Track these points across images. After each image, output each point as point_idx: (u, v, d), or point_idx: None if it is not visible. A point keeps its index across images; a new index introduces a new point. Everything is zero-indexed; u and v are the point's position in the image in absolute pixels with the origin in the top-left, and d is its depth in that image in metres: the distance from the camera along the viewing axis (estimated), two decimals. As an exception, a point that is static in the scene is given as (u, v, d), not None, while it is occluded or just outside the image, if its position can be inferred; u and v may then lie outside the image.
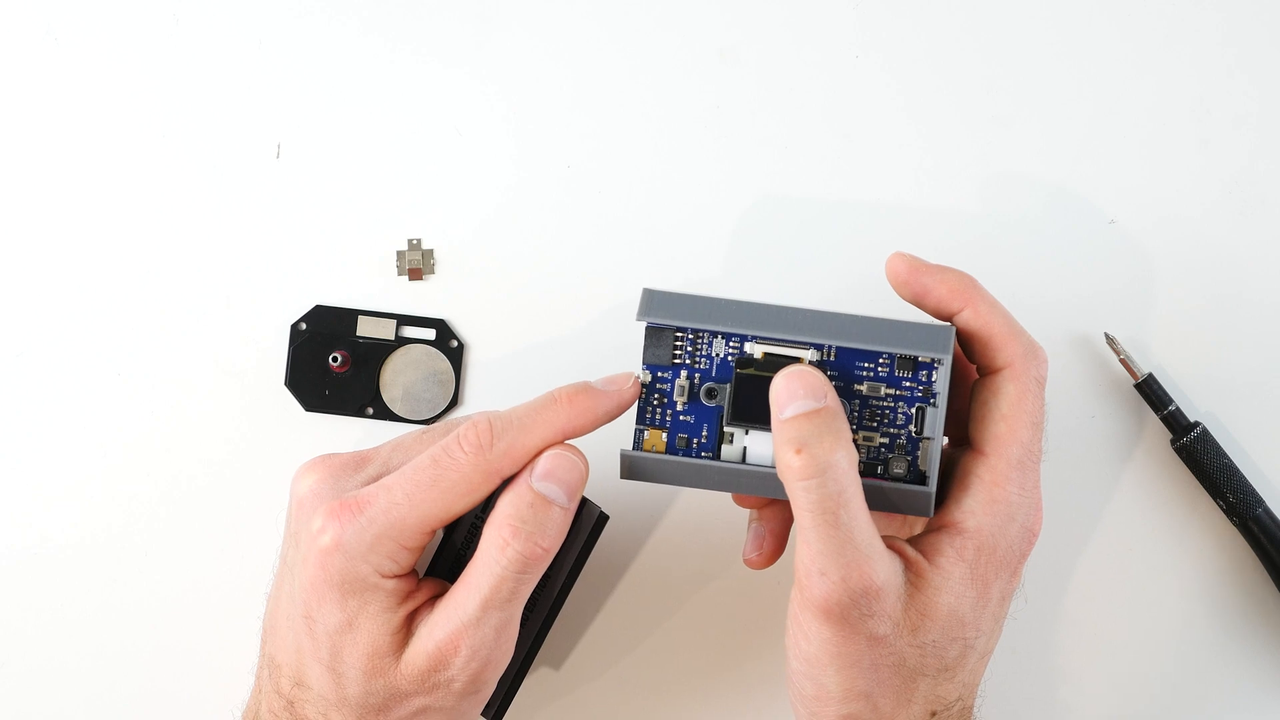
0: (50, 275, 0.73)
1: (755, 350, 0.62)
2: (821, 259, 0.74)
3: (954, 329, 0.62)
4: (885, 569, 0.59)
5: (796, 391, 0.59)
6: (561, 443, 0.61)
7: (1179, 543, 0.74)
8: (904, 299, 0.64)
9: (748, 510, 0.67)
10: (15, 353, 0.73)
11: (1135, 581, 0.74)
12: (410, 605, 0.60)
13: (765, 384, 0.61)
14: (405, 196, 0.74)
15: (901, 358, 0.62)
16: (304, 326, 0.73)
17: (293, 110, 0.74)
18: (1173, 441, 0.73)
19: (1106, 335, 0.73)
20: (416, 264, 0.73)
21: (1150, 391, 0.72)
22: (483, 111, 0.74)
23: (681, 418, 0.62)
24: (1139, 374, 0.73)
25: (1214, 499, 0.73)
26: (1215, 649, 0.74)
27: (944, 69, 0.75)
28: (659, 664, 0.73)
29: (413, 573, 0.62)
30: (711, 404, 0.62)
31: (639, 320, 0.62)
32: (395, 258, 0.74)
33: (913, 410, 0.62)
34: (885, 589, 0.59)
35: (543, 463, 0.60)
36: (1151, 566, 0.74)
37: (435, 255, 0.74)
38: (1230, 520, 0.73)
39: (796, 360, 0.62)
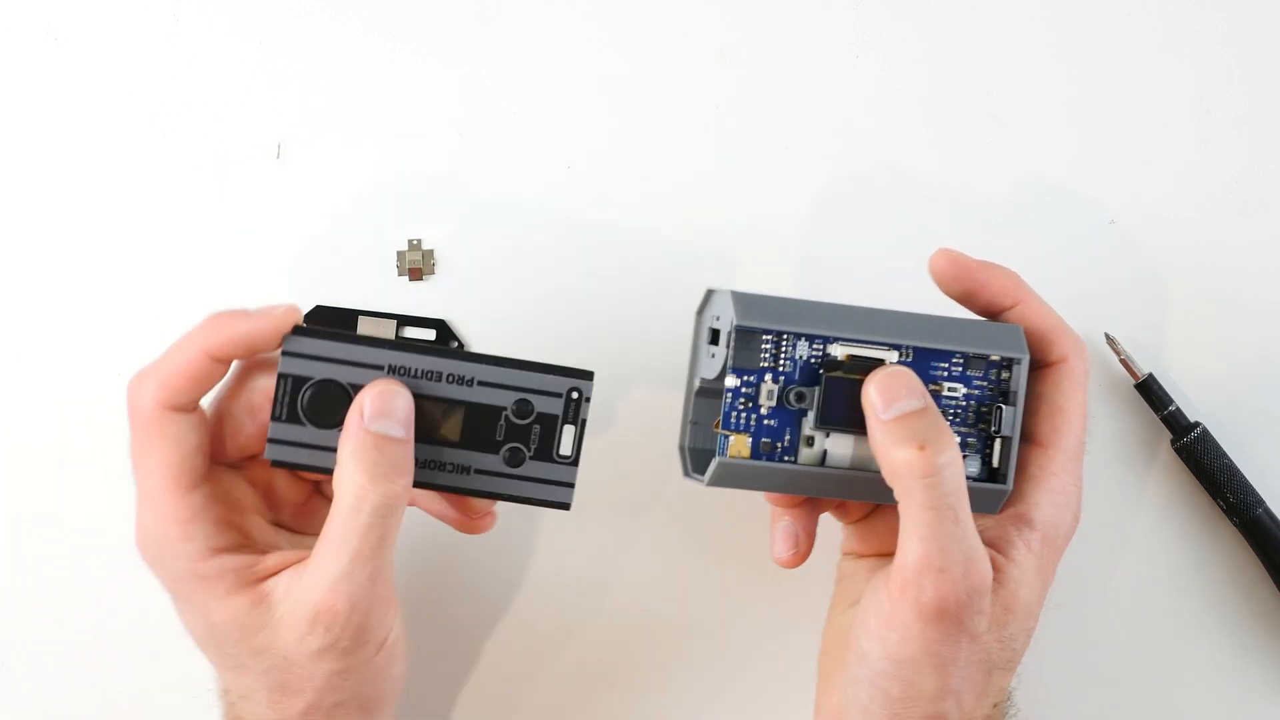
0: (50, 275, 0.73)
1: (838, 352, 0.62)
2: (821, 259, 0.74)
3: (1021, 329, 0.63)
4: (989, 567, 0.59)
5: (899, 391, 0.59)
6: (383, 380, 0.60)
7: (1179, 543, 0.74)
8: (950, 296, 0.64)
9: (768, 510, 0.67)
10: (15, 352, 0.73)
11: (1135, 581, 0.74)
12: (246, 579, 0.60)
13: (853, 386, 0.61)
14: (405, 196, 0.74)
15: (973, 357, 0.62)
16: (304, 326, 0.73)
17: (293, 110, 0.74)
18: (1173, 441, 0.73)
19: (1106, 335, 0.73)
20: (416, 264, 0.73)
21: (1150, 391, 0.72)
22: (483, 111, 0.74)
23: (765, 422, 0.62)
24: (1139, 374, 0.73)
25: (1214, 499, 0.73)
26: (1215, 649, 0.74)
27: (944, 69, 0.75)
28: (665, 671, 0.73)
29: (243, 547, 0.61)
30: (798, 407, 0.62)
31: (735, 324, 0.60)
32: (395, 258, 0.73)
33: (983, 409, 0.62)
34: (990, 586, 0.59)
35: (369, 404, 0.59)
36: (1152, 566, 0.74)
37: (435, 255, 0.74)
38: (1230, 520, 0.73)
39: (880, 362, 0.62)
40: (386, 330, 0.73)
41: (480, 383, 0.61)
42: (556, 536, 0.73)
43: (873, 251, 0.74)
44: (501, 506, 0.65)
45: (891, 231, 0.74)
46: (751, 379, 0.61)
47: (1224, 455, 0.72)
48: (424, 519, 0.68)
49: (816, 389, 0.61)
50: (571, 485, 0.62)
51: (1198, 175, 0.75)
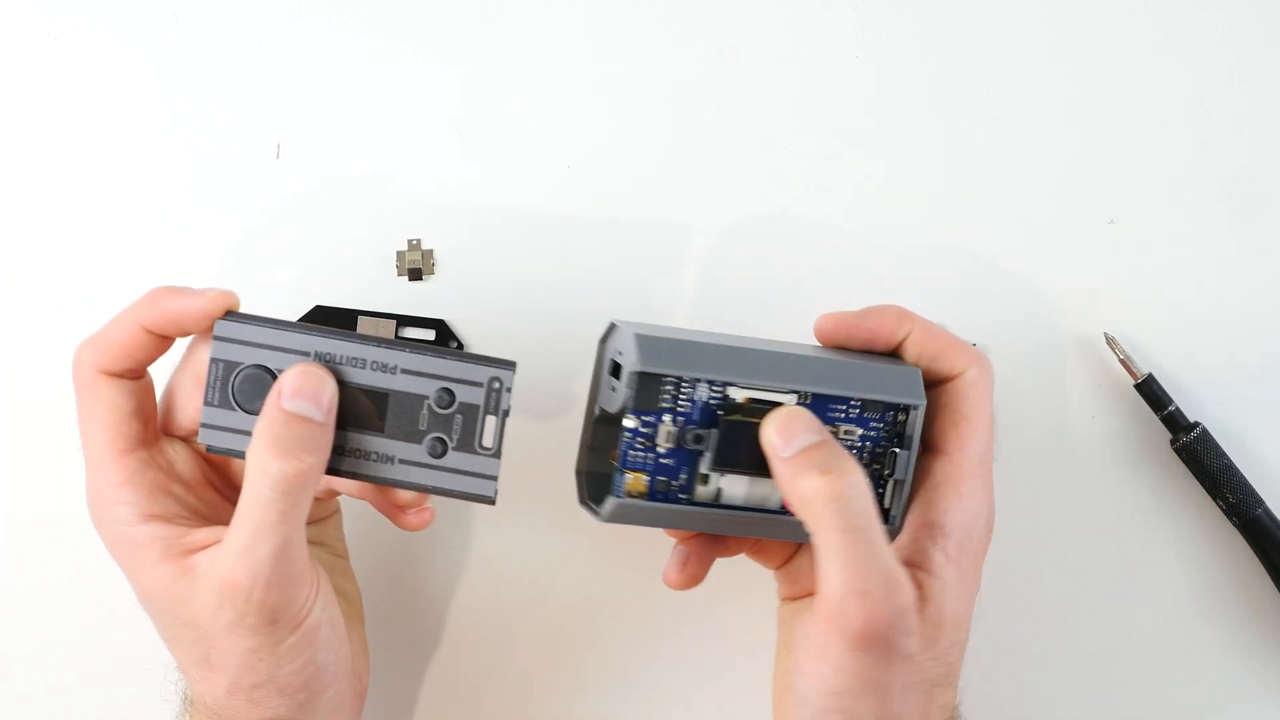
0: (50, 275, 0.73)
1: (738, 395, 0.62)
2: (822, 257, 0.74)
3: (920, 372, 0.63)
4: (910, 585, 0.59)
5: (797, 429, 0.60)
6: (307, 364, 0.61)
7: (1179, 543, 0.74)
8: (854, 348, 0.65)
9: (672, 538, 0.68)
10: (15, 352, 0.73)
11: (1135, 581, 0.74)
12: (175, 549, 0.61)
13: (749, 429, 0.61)
14: (405, 196, 0.74)
15: (870, 401, 0.62)
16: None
17: (293, 110, 0.74)
18: (1173, 441, 0.73)
19: (1106, 335, 0.73)
20: (416, 264, 0.73)
21: (1150, 391, 0.72)
22: (483, 111, 0.74)
23: (662, 461, 0.62)
24: (1139, 374, 0.73)
25: (1214, 499, 0.73)
26: (1215, 649, 0.74)
27: (944, 69, 0.75)
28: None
29: (179, 520, 0.62)
30: (694, 448, 0.62)
31: (633, 369, 0.61)
32: (395, 258, 0.74)
33: (877, 450, 0.63)
34: (914, 605, 0.59)
35: (289, 382, 0.60)
36: (1152, 566, 0.74)
37: (435, 255, 0.74)
38: (1230, 520, 0.73)
39: (778, 404, 0.62)
40: (386, 330, 0.73)
41: (404, 371, 0.61)
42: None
43: (873, 250, 0.74)
44: (442, 503, 0.65)
45: (892, 230, 0.74)
46: (650, 419, 0.61)
47: (1224, 455, 0.72)
48: (380, 522, 0.68)
49: (714, 431, 0.62)
50: (494, 478, 0.62)
51: (1198, 175, 0.75)
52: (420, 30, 0.74)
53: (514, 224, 0.74)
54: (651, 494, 0.62)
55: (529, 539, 0.73)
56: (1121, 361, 0.73)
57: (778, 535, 0.63)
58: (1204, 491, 0.73)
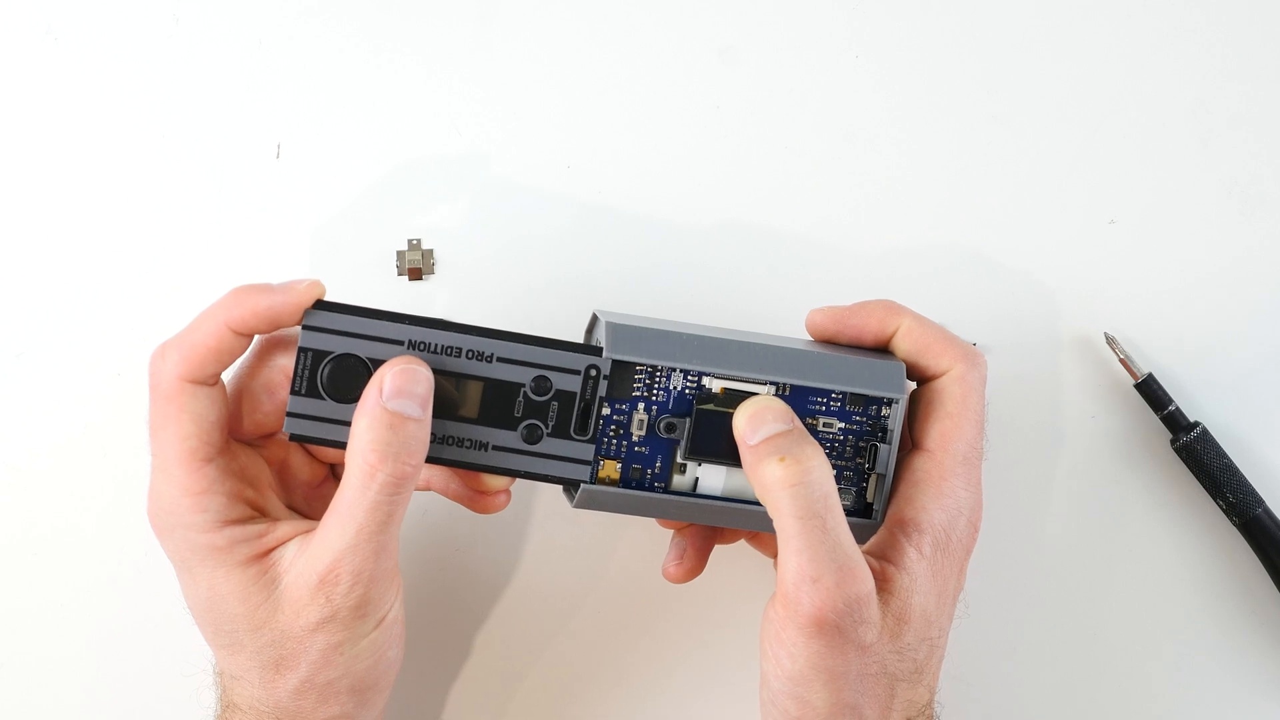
0: (50, 275, 0.73)
1: (713, 385, 0.62)
2: (822, 257, 0.74)
3: (904, 366, 0.64)
4: (869, 575, 0.59)
5: (765, 418, 0.61)
6: (405, 357, 0.61)
7: (1179, 543, 0.74)
8: (843, 344, 0.65)
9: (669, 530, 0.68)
10: (15, 353, 0.73)
11: (1135, 581, 0.74)
12: (256, 549, 0.61)
13: (724, 419, 0.62)
14: (405, 196, 0.74)
15: (851, 395, 0.63)
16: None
17: (293, 110, 0.74)
18: (1173, 441, 0.73)
19: (1106, 335, 0.73)
20: (416, 264, 0.73)
21: (1150, 391, 0.72)
22: (483, 111, 0.74)
23: (636, 449, 0.63)
24: (1139, 374, 0.73)
25: (1214, 499, 0.73)
26: (1215, 649, 0.74)
27: (943, 69, 0.75)
28: (660, 662, 0.73)
29: (243, 521, 0.62)
30: (669, 437, 0.63)
31: (606, 355, 0.62)
32: (395, 258, 0.74)
33: (860, 444, 0.63)
34: (872, 595, 0.59)
35: (389, 381, 0.60)
36: (1151, 566, 0.74)
37: (435, 255, 0.74)
38: (1230, 520, 0.73)
39: (754, 394, 0.62)
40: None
41: (499, 359, 0.62)
42: (554, 524, 0.73)
43: (873, 249, 0.74)
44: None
45: (892, 229, 0.74)
46: (624, 407, 0.62)
47: (1224, 455, 0.72)
48: (429, 506, 0.68)
49: (687, 420, 0.62)
50: (589, 463, 0.62)
51: (1197, 175, 0.75)
52: (420, 30, 0.74)
53: (514, 223, 0.74)
54: (625, 481, 0.62)
55: (530, 535, 0.73)
56: (1121, 361, 0.73)
57: (755, 526, 0.63)
58: (1204, 491, 0.73)
